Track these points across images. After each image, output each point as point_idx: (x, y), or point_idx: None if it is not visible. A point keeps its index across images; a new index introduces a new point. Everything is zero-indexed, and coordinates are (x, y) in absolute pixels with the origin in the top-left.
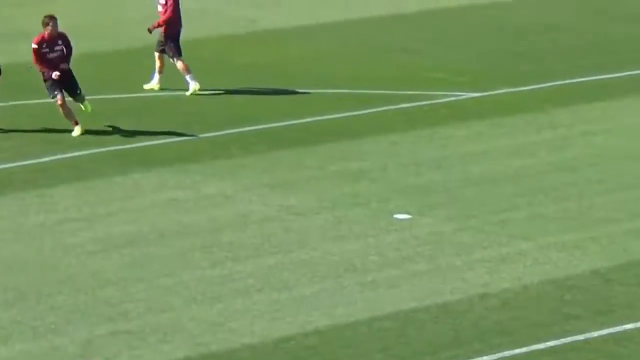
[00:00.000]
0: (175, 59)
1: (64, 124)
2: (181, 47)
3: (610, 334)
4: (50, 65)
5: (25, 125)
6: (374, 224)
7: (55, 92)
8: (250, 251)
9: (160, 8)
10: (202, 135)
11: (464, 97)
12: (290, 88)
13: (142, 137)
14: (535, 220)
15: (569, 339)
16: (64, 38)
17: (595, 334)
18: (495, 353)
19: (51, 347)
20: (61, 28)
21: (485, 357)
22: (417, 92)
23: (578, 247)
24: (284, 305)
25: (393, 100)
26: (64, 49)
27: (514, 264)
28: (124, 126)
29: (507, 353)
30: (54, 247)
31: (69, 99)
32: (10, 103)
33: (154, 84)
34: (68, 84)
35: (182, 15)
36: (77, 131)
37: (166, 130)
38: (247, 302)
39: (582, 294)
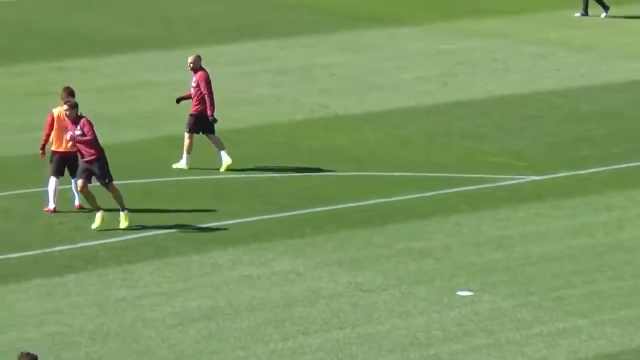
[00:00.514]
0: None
1: (145, 203)
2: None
3: None
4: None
5: (109, 205)
6: (438, 300)
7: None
8: (319, 325)
9: (192, 90)
10: (276, 215)
11: (524, 180)
12: (359, 171)
13: (219, 216)
14: (590, 297)
15: None
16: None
17: None
18: None
19: None
20: (142, 113)
21: None
22: (479, 176)
23: (632, 323)
24: None
25: (457, 183)
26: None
27: (570, 338)
28: (201, 206)
29: None
30: (134, 320)
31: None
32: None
33: (182, 164)
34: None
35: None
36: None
37: (243, 210)
38: None
39: None
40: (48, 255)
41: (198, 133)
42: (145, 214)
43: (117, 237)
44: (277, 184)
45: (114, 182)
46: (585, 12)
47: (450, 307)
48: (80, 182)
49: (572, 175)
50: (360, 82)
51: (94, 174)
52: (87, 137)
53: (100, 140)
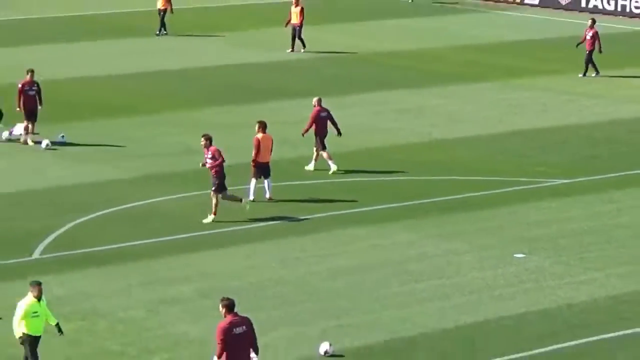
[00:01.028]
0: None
1: (310, 196)
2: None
3: None
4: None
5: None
6: (502, 260)
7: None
8: (425, 276)
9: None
10: (399, 204)
11: (557, 182)
12: (451, 176)
13: (359, 205)
14: (602, 258)
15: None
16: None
17: None
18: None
19: None
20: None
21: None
22: (527, 179)
23: (630, 276)
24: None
25: (513, 184)
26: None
27: (588, 285)
28: (346, 197)
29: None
30: (304, 273)
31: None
32: None
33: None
34: None
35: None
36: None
37: (374, 200)
38: None
39: None
40: (249, 229)
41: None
42: (310, 204)
43: (290, 218)
44: (397, 183)
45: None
46: (584, 74)
47: (510, 264)
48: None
49: (589, 179)
50: (452, 118)
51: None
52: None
53: None
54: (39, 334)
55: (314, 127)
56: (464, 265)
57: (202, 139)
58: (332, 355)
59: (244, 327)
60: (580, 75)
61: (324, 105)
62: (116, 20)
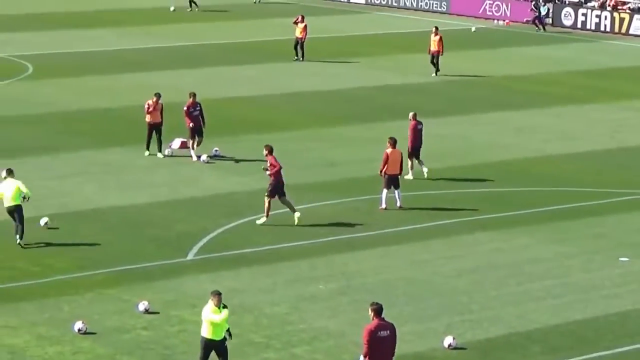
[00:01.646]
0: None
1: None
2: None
3: None
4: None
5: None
6: (608, 263)
7: None
8: (537, 276)
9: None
10: (515, 213)
11: None
12: (553, 187)
13: (482, 213)
14: None
15: None
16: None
17: None
18: None
19: None
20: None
21: None
22: (631, 190)
23: None
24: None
25: (620, 195)
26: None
27: None
28: (470, 207)
29: None
30: (431, 273)
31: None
32: None
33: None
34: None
35: None
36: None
37: (495, 209)
38: None
39: None
40: (382, 234)
41: None
42: (437, 212)
43: (419, 224)
44: (515, 194)
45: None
46: None
47: (615, 267)
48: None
49: None
50: (564, 136)
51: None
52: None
53: None
54: (217, 339)
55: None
56: (574, 268)
57: (264, 149)
58: (455, 348)
59: (388, 331)
60: None
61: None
62: (260, 47)
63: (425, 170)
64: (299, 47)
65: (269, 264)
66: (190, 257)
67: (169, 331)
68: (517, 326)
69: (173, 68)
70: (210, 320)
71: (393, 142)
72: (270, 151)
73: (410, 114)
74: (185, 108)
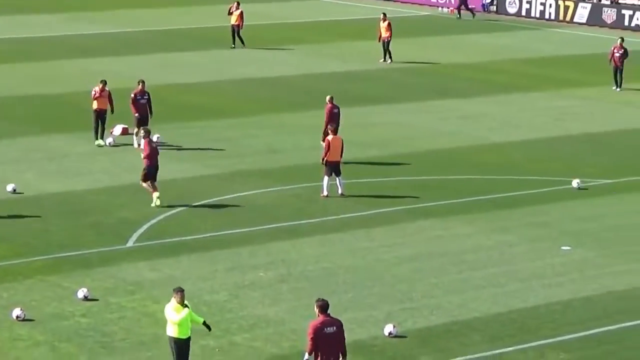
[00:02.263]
0: None
1: (380, 193)
2: None
3: None
4: None
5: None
6: (550, 252)
7: None
8: (480, 264)
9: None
10: (456, 201)
11: (603, 182)
12: (505, 175)
13: (422, 201)
14: None
15: None
16: None
17: None
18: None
19: None
20: None
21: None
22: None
23: None
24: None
25: (564, 183)
26: None
27: (629, 276)
28: (412, 194)
29: (624, 325)
30: (373, 260)
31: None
32: None
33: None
34: None
35: None
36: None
37: (438, 196)
38: None
39: None
40: (323, 221)
41: None
42: (378, 199)
43: (360, 211)
44: (458, 182)
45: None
46: (617, 86)
47: (557, 256)
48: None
49: (632, 180)
50: (508, 124)
51: None
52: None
53: None
54: (184, 337)
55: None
56: (516, 256)
57: (142, 131)
58: (396, 336)
59: (335, 327)
60: (615, 88)
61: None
62: (197, 34)
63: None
64: (235, 34)
65: (209, 251)
66: (130, 244)
67: (108, 318)
68: (457, 315)
69: (117, 54)
70: (170, 319)
71: (334, 129)
72: (145, 135)
73: (327, 97)
74: (132, 95)
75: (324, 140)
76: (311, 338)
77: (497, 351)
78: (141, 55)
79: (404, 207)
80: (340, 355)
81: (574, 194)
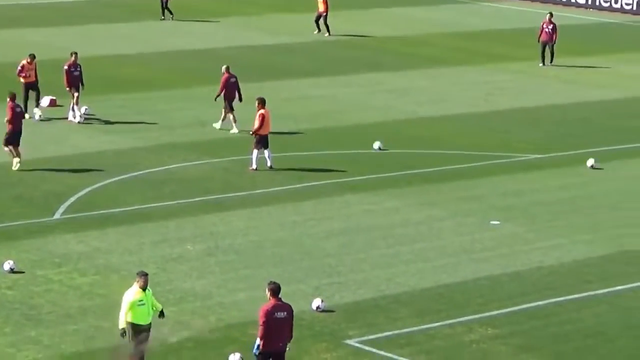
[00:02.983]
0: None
1: (311, 166)
2: None
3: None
4: None
5: None
6: (479, 227)
7: None
8: (409, 239)
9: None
10: (387, 175)
11: (532, 157)
12: (431, 150)
13: (350, 175)
14: (568, 227)
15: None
16: None
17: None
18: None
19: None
20: None
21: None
22: (504, 154)
23: (593, 243)
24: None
25: (492, 158)
26: None
27: (557, 250)
28: (342, 168)
29: (553, 300)
30: (301, 234)
31: None
32: None
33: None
34: None
35: None
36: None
37: (358, 170)
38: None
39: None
40: (252, 194)
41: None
42: (307, 173)
43: (289, 185)
44: (387, 156)
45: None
46: (543, 63)
47: (487, 230)
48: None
49: (561, 155)
50: (437, 98)
51: None
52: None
53: None
54: (144, 323)
55: (224, 91)
56: (444, 231)
57: (8, 94)
58: (324, 310)
59: (285, 312)
60: (542, 65)
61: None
62: (126, 4)
63: (235, 129)
64: (164, 6)
65: (136, 224)
66: (57, 216)
67: (34, 291)
68: (385, 289)
69: (46, 25)
70: (129, 303)
71: (263, 102)
72: (10, 98)
73: (223, 67)
74: (65, 67)
75: (225, 110)
76: (263, 322)
77: (425, 326)
78: (69, 27)
79: (333, 180)
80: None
81: (503, 169)
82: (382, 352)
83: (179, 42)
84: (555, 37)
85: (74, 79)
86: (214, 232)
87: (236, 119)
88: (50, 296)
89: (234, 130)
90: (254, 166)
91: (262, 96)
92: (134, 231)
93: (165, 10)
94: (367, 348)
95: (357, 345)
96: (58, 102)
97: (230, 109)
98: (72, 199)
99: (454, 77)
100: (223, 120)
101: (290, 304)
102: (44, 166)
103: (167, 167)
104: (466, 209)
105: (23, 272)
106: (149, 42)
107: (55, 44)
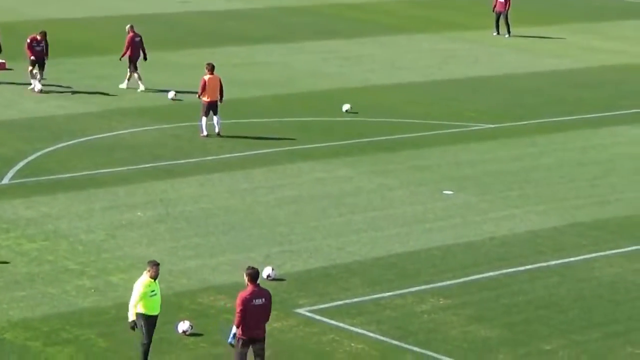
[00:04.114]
0: None
1: (270, 135)
2: None
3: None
4: None
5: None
6: (432, 196)
7: None
8: (361, 208)
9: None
10: (338, 143)
11: (485, 127)
12: (389, 118)
13: (301, 143)
14: (522, 197)
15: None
16: None
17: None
18: (498, 270)
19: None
20: None
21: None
22: (457, 123)
23: (546, 213)
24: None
25: (445, 127)
26: None
27: (510, 221)
28: (293, 137)
29: (505, 271)
30: (251, 202)
31: None
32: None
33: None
34: None
35: None
36: None
37: (315, 138)
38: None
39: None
40: (202, 161)
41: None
42: (258, 140)
43: (240, 152)
44: (338, 124)
45: None
46: (497, 32)
47: (439, 200)
48: None
49: (514, 125)
50: (391, 66)
51: None
52: None
53: None
54: (156, 313)
55: (129, 51)
56: (397, 200)
57: None
58: (274, 279)
59: (264, 299)
60: (496, 34)
61: (137, 31)
62: None
63: (141, 87)
64: None
65: (86, 189)
66: (5, 181)
67: None
68: (336, 258)
69: None
70: (140, 294)
71: (211, 68)
72: None
73: (127, 26)
74: (28, 41)
75: (130, 70)
76: (239, 310)
77: (376, 296)
78: None
79: (284, 148)
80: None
81: (456, 138)
82: (332, 322)
83: (130, 6)
84: (509, 7)
85: (37, 53)
86: (165, 199)
87: (141, 77)
88: None
89: (141, 88)
90: (205, 133)
91: (211, 62)
92: (83, 197)
93: None
94: (317, 317)
95: (307, 314)
96: (7, 66)
97: (134, 68)
98: (21, 164)
99: (408, 45)
100: (128, 80)
101: (269, 291)
102: None
103: (116, 132)
104: (419, 178)
105: None
106: (100, 6)
107: (6, 6)
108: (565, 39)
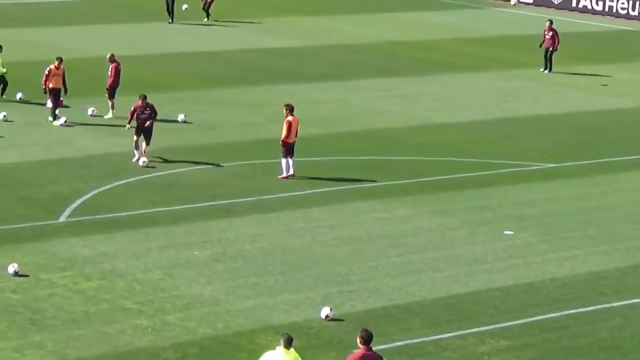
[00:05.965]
0: None
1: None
2: None
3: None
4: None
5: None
6: (492, 236)
7: None
8: (420, 248)
9: None
10: (398, 182)
11: (546, 166)
12: (445, 157)
13: (364, 181)
14: (584, 238)
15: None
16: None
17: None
18: (559, 312)
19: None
20: None
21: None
22: (518, 162)
23: (608, 254)
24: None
25: (506, 167)
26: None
27: (571, 262)
28: (359, 177)
29: (566, 312)
30: (310, 241)
31: None
32: None
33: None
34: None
35: None
36: None
37: (379, 177)
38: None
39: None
40: (261, 200)
41: None
42: (318, 180)
43: (299, 191)
44: (398, 163)
45: None
46: (545, 68)
47: (500, 240)
48: None
49: (575, 164)
50: (450, 104)
51: None
52: None
53: None
54: None
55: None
56: (457, 240)
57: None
58: (333, 319)
59: None
60: (543, 70)
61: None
62: (137, 4)
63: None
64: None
65: (143, 228)
66: (62, 219)
67: (38, 295)
68: (396, 298)
69: (48, 25)
70: None
71: (291, 109)
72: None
73: (108, 55)
74: (132, 109)
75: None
76: None
77: (436, 337)
78: (74, 26)
79: (343, 187)
80: None
81: (516, 178)
82: None
83: (187, 44)
84: (557, 44)
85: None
86: (222, 238)
87: (114, 105)
88: (55, 300)
89: (109, 115)
90: (284, 174)
91: (290, 103)
92: (140, 236)
93: (171, 12)
94: None
95: None
96: (65, 103)
97: (113, 95)
98: (78, 202)
99: (467, 83)
100: (112, 109)
101: (381, 355)
102: (50, 168)
103: (174, 170)
104: (479, 218)
105: (27, 276)
106: (155, 44)
107: (57, 44)
108: (626, 78)
